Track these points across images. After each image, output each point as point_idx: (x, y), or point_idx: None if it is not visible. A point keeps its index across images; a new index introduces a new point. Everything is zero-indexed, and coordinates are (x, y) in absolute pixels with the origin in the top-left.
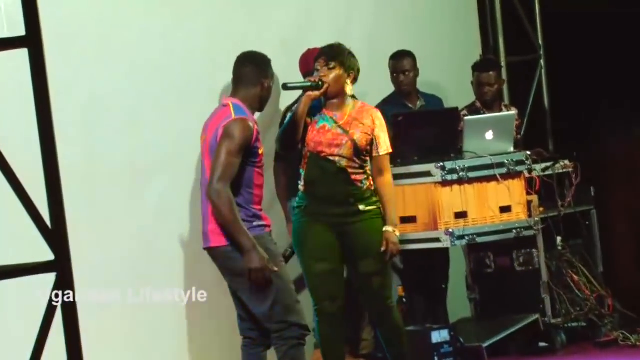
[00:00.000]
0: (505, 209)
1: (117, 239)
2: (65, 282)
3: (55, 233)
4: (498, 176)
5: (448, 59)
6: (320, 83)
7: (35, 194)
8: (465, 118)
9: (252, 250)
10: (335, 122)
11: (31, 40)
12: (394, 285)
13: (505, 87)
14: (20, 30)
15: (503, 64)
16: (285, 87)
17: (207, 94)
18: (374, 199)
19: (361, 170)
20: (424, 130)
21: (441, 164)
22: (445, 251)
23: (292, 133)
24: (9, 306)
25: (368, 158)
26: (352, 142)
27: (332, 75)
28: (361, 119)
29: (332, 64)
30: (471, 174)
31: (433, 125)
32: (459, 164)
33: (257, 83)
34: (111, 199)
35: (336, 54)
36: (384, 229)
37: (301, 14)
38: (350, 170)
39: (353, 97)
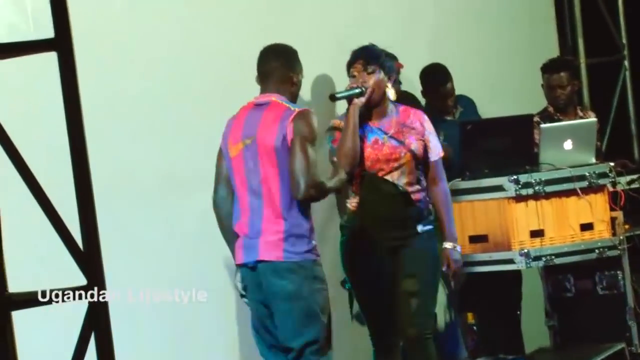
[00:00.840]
0: (586, 227)
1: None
2: (99, 308)
3: (88, 256)
4: (578, 190)
5: (522, 62)
6: (363, 89)
7: (66, 213)
8: (542, 126)
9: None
10: (385, 133)
11: (61, 42)
12: (442, 308)
13: (585, 91)
14: (48, 33)
15: (583, 65)
16: (333, 97)
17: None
18: (432, 217)
19: (419, 187)
20: (496, 139)
21: (515, 177)
22: (517, 273)
23: (352, 149)
24: (38, 333)
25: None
26: (411, 152)
27: (372, 80)
28: (410, 123)
29: (371, 68)
30: (548, 188)
31: (505, 134)
32: (535, 177)
33: (286, 79)
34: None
35: (374, 56)
36: (443, 245)
37: (359, 13)
38: (410, 190)
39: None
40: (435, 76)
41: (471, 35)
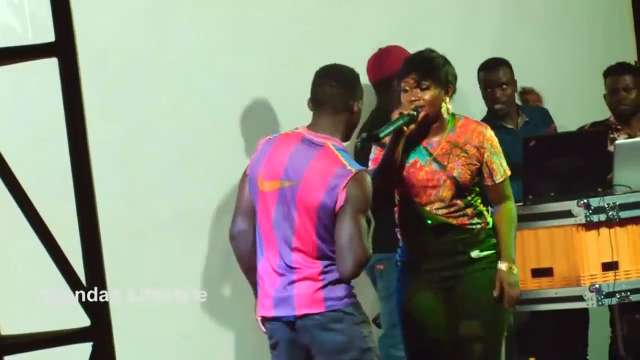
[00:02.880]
0: None
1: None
2: (103, 353)
3: (92, 294)
4: None
5: (596, 67)
6: (414, 113)
7: (69, 248)
8: (616, 142)
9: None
10: (430, 154)
11: (62, 47)
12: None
13: None
14: (48, 37)
15: None
16: (376, 138)
17: (273, 126)
18: (492, 241)
19: (469, 210)
20: (563, 158)
21: (585, 200)
22: (584, 313)
23: (384, 183)
24: None
25: (476, 189)
26: (452, 180)
27: (427, 97)
28: (463, 143)
29: (426, 83)
30: (623, 214)
31: (574, 151)
32: (608, 200)
33: (344, 107)
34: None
35: (430, 69)
36: (498, 266)
37: (413, 12)
38: (452, 221)
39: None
40: (484, 64)
41: (539, 36)
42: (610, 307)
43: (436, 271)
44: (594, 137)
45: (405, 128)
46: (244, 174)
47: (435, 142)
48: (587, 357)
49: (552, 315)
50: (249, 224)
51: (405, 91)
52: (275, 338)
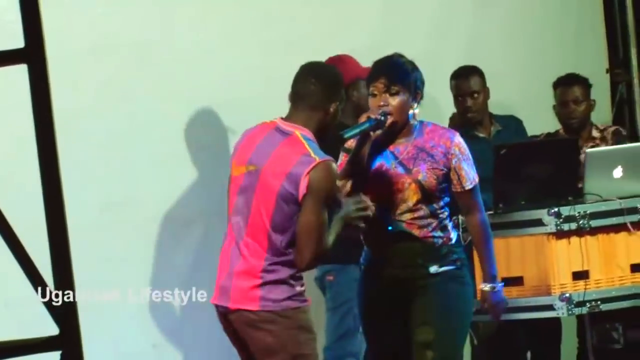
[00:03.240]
0: (638, 268)
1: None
2: None
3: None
4: (629, 225)
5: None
6: (382, 118)
7: (37, 252)
8: (587, 150)
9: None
10: (396, 158)
11: (32, 53)
12: None
13: (638, 109)
14: (18, 43)
15: (636, 80)
16: (341, 139)
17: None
18: (453, 256)
19: (433, 222)
20: (534, 166)
21: (555, 209)
22: (556, 321)
23: (350, 187)
24: None
25: (444, 197)
26: (417, 183)
27: (396, 102)
28: (430, 148)
29: (395, 88)
30: (594, 223)
31: (546, 159)
32: (579, 209)
33: (321, 107)
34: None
35: (399, 74)
36: (481, 287)
37: (387, 18)
38: (415, 231)
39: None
40: (456, 72)
41: (510, 47)
42: (579, 317)
43: (396, 280)
44: (566, 145)
45: (371, 133)
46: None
47: (402, 146)
48: None
49: (524, 324)
50: None
51: (374, 95)
52: (222, 323)
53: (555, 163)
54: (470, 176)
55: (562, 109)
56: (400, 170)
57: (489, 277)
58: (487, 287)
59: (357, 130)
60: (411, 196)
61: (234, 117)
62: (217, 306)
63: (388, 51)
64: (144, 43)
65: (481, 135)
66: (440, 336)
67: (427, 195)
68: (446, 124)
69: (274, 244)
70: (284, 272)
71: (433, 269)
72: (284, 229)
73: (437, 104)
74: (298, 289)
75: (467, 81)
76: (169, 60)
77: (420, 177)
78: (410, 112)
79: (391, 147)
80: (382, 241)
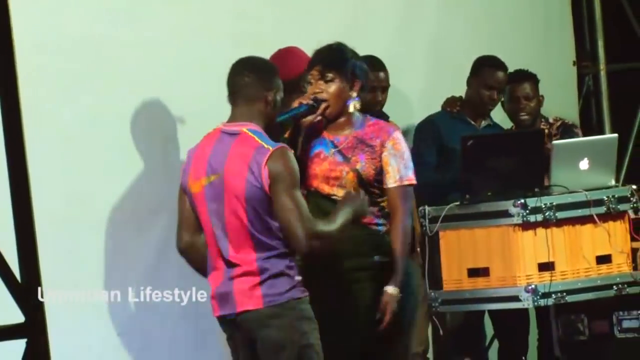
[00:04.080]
0: (603, 259)
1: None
2: (38, 350)
3: (27, 290)
4: (595, 217)
5: (533, 69)
6: (314, 104)
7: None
8: (554, 142)
9: (348, 216)
10: (335, 147)
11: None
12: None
13: (604, 102)
14: None
15: (602, 73)
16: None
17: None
18: None
19: (374, 208)
20: (501, 157)
21: (522, 201)
22: (524, 312)
23: None
24: None
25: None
26: (355, 172)
27: (331, 89)
28: (370, 139)
29: (330, 75)
30: (560, 214)
31: (512, 151)
32: (545, 201)
33: (258, 97)
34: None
35: (334, 61)
36: (385, 289)
37: (351, 12)
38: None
39: (361, 112)
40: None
41: (477, 38)
42: (539, 308)
43: (338, 274)
44: (532, 137)
45: (304, 118)
46: (180, 187)
47: (343, 136)
48: (523, 358)
49: (491, 315)
50: (193, 235)
51: (310, 83)
52: (228, 333)
53: (522, 155)
54: (396, 175)
55: (512, 105)
56: (338, 158)
57: (396, 281)
58: (395, 291)
59: (287, 115)
60: (348, 185)
61: (192, 109)
62: (221, 317)
63: (352, 47)
64: (94, 37)
65: (471, 122)
66: (392, 328)
67: (365, 185)
68: (416, 119)
69: (259, 242)
70: (279, 265)
71: (377, 258)
72: (263, 224)
73: (406, 99)
74: (297, 278)
75: (502, 78)
76: (124, 53)
77: (358, 167)
78: (349, 101)
79: (331, 136)
80: None
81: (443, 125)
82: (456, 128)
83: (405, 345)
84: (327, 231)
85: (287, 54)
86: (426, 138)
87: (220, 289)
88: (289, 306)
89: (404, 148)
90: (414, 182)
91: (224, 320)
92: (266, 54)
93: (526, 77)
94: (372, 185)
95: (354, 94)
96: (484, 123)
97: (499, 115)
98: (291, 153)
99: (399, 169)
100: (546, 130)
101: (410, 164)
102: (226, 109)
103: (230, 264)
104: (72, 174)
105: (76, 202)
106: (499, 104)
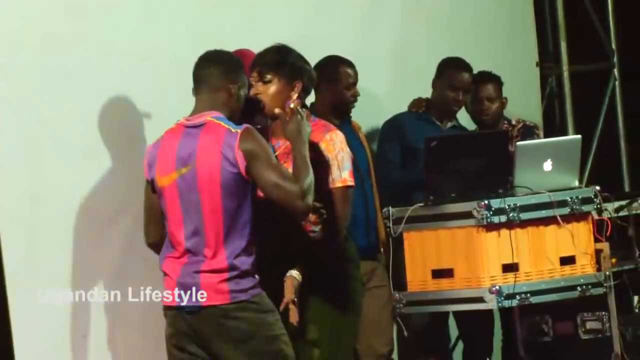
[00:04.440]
0: (567, 260)
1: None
2: (1, 352)
3: None
4: (559, 218)
5: (498, 70)
6: (259, 102)
7: None
8: (517, 144)
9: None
10: (274, 151)
11: None
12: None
13: (567, 103)
14: None
15: (566, 74)
16: None
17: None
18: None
19: (312, 216)
20: (465, 158)
21: (485, 202)
22: (488, 313)
23: None
24: None
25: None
26: None
27: (270, 91)
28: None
29: (268, 77)
30: (524, 215)
31: (476, 152)
32: (509, 202)
33: (220, 87)
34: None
35: (272, 63)
36: (290, 273)
37: (311, 12)
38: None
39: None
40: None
41: (440, 40)
42: (504, 309)
43: (278, 282)
44: (496, 138)
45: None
46: (146, 182)
47: (282, 140)
48: (488, 359)
49: (455, 316)
50: (163, 229)
51: (251, 85)
52: (174, 328)
53: (486, 156)
54: (327, 178)
55: (475, 105)
56: None
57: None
58: (298, 275)
59: None
60: None
61: (156, 108)
62: (174, 307)
63: (316, 47)
64: (56, 35)
65: (436, 122)
66: (327, 334)
67: None
68: (380, 120)
69: (233, 235)
70: (246, 263)
71: (294, 272)
72: (238, 214)
73: (370, 100)
74: (257, 276)
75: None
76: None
77: None
78: (289, 102)
79: (274, 141)
80: (263, 236)
81: (408, 124)
82: (421, 128)
83: (329, 352)
84: (308, 180)
85: (240, 56)
86: (390, 137)
87: (183, 279)
88: (253, 300)
89: (338, 149)
90: (350, 183)
91: (179, 312)
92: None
93: (489, 78)
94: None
95: (295, 95)
96: (449, 124)
97: (464, 117)
98: (256, 131)
99: (333, 173)
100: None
101: (346, 165)
102: (190, 107)
103: (198, 257)
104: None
105: (42, 202)
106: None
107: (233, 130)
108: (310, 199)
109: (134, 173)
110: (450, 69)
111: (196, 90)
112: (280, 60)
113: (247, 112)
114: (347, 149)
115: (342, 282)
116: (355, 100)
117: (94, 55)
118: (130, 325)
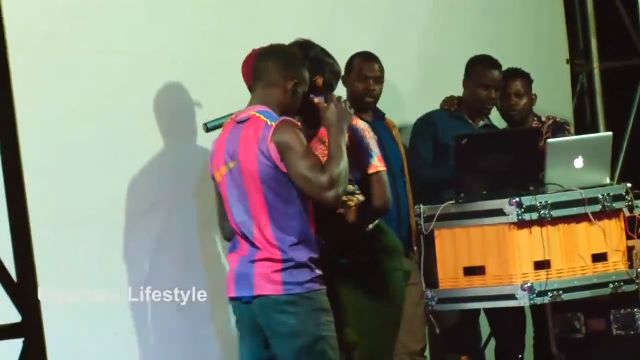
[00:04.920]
0: (599, 258)
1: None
2: (34, 350)
3: (23, 289)
4: (590, 215)
5: (527, 67)
6: None
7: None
8: (548, 141)
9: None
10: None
11: None
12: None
13: (598, 100)
14: None
15: (596, 71)
16: (207, 128)
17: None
18: (369, 244)
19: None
20: (495, 156)
21: (517, 199)
22: (520, 311)
23: None
24: None
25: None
26: None
27: None
28: (324, 136)
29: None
30: (555, 213)
31: (507, 150)
32: (540, 199)
33: (277, 83)
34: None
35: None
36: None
37: (338, 10)
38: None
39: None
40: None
41: (469, 36)
42: (537, 307)
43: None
44: (527, 136)
45: None
46: (212, 178)
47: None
48: (520, 357)
49: (487, 314)
50: None
51: None
52: (238, 315)
53: (517, 153)
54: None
55: (504, 102)
56: None
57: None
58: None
59: (222, 121)
60: None
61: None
62: (235, 298)
63: (340, 45)
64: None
65: (469, 120)
66: (364, 336)
67: None
68: (407, 117)
69: (282, 227)
70: (303, 256)
71: (343, 260)
72: (283, 207)
73: (397, 97)
74: (318, 272)
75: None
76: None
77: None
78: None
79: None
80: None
81: (440, 122)
82: (453, 126)
83: (370, 354)
84: (338, 169)
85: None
86: (423, 134)
87: (240, 269)
88: (307, 296)
89: (361, 137)
90: (380, 169)
91: (237, 302)
92: (246, 51)
93: (518, 74)
94: None
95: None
96: (481, 123)
97: (496, 116)
98: (294, 123)
99: (361, 160)
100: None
101: (374, 152)
102: (213, 104)
103: (254, 247)
104: (67, 173)
105: (72, 201)
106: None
107: (269, 124)
108: (340, 189)
109: (164, 173)
110: (480, 68)
111: (253, 85)
112: (292, 59)
113: (309, 118)
114: (371, 135)
115: (380, 277)
116: (370, 95)
117: (110, 53)
118: (161, 324)
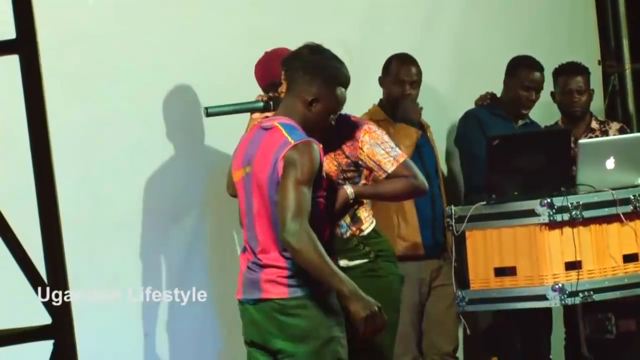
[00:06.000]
0: (631, 258)
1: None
2: (65, 351)
3: (53, 290)
4: (622, 216)
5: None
6: (269, 103)
7: (30, 244)
8: (580, 142)
9: (355, 294)
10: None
11: (24, 43)
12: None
13: (630, 101)
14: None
15: (628, 72)
16: (207, 112)
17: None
18: (365, 249)
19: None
20: (527, 157)
21: (548, 200)
22: (547, 313)
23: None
24: None
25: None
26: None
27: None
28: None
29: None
30: (587, 213)
31: (538, 150)
32: (572, 200)
33: (299, 95)
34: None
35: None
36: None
37: (370, 13)
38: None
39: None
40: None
41: (501, 38)
42: (568, 307)
43: None
44: (558, 136)
45: (254, 115)
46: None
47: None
48: (551, 358)
49: (515, 314)
50: None
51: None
52: (243, 321)
53: (548, 154)
54: (386, 165)
55: (564, 97)
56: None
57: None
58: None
59: (237, 107)
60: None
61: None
62: (241, 300)
63: (375, 43)
64: (105, 35)
65: (510, 120)
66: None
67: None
68: (442, 116)
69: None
70: None
71: (343, 262)
72: None
73: (431, 96)
74: None
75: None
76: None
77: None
78: None
79: None
80: None
81: (484, 119)
82: (497, 124)
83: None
84: (312, 242)
85: (273, 56)
86: (474, 129)
87: (249, 273)
88: (315, 297)
89: (380, 132)
90: (405, 158)
91: (244, 305)
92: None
93: (580, 70)
94: (336, 182)
95: None
96: (521, 122)
97: (537, 114)
98: (317, 147)
99: (388, 154)
100: (597, 127)
101: (393, 144)
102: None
103: (260, 253)
104: (98, 174)
105: (102, 203)
106: (550, 96)
107: (289, 141)
108: (294, 243)
109: (174, 175)
110: (522, 69)
111: (286, 90)
112: (304, 61)
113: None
114: (378, 133)
115: (376, 279)
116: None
117: (141, 53)
118: (193, 324)
